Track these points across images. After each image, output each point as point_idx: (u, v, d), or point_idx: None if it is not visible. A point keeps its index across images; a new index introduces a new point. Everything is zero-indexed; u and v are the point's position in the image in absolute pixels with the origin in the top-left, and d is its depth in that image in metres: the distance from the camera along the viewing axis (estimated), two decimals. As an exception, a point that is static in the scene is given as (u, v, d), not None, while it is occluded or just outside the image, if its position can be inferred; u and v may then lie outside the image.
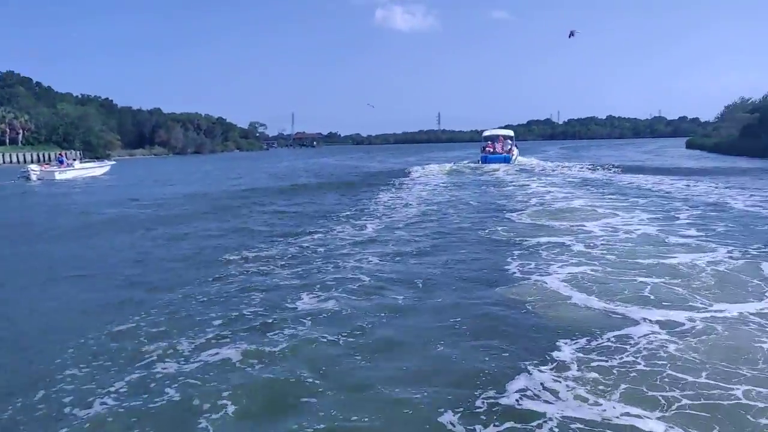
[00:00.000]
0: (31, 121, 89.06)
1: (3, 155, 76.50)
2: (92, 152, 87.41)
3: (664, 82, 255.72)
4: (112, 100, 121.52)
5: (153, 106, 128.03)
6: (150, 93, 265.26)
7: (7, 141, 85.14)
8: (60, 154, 50.96)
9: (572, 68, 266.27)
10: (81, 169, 44.52)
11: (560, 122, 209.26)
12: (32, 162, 60.92)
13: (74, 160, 51.80)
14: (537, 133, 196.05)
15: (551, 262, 9.42)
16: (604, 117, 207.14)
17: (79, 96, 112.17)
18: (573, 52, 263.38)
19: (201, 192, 26.34)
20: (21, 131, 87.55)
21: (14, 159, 76.35)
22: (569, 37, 43.22)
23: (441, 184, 27.56)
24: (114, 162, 53.23)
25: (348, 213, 16.58)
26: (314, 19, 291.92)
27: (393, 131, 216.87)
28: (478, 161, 42.49)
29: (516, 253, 10.27)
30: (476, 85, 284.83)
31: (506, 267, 9.27)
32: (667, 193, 20.38)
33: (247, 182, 32.79)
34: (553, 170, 35.97)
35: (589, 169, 35.30)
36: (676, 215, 14.38)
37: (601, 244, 10.80)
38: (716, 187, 21.51)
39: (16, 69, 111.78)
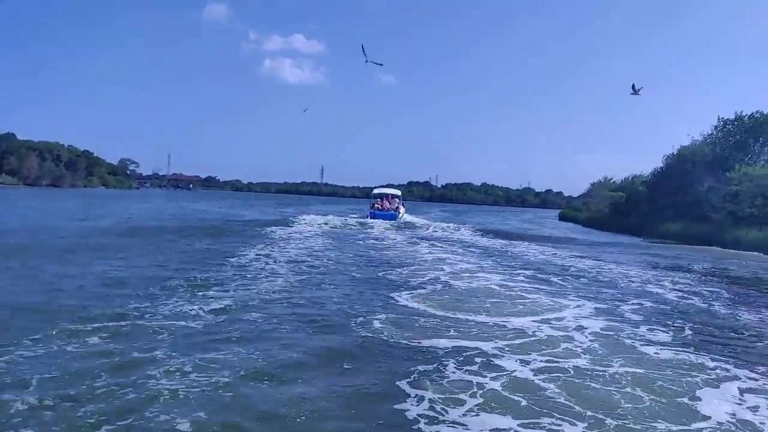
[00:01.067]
0: None
1: None
2: None
3: (531, 156, 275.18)
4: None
5: (6, 131, 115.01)
6: (4, 115, 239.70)
7: None
8: None
9: (449, 135, 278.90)
10: None
11: (438, 185, 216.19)
12: None
13: None
14: (416, 194, 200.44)
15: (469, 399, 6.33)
16: (479, 184, 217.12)
17: None
18: (450, 120, 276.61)
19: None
20: None
21: None
22: (635, 92, 37.08)
23: (323, 242, 24.33)
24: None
25: (193, 277, 12.72)
26: (200, 62, 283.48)
27: (275, 180, 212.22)
28: (366, 216, 43.38)
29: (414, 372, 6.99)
30: (360, 142, 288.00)
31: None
32: (581, 271, 18.54)
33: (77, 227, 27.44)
34: (444, 230, 36.39)
35: (481, 234, 34.61)
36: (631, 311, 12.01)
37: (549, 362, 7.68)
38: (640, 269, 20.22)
39: None
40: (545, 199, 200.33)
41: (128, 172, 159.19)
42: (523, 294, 13.01)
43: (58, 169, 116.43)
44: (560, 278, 16.28)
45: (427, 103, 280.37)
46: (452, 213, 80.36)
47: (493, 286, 13.96)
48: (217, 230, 26.93)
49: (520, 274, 16.69)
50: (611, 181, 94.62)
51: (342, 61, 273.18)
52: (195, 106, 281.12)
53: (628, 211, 47.79)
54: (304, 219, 39.17)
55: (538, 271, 17.75)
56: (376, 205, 45.36)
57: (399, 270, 16.30)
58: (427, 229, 38.16)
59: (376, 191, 50.59)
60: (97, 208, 45.01)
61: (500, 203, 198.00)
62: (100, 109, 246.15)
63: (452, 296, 12.33)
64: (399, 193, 52.45)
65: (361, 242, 25.69)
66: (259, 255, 17.86)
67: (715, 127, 44.87)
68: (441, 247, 24.84)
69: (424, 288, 13.37)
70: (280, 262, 16.59)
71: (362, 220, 42.05)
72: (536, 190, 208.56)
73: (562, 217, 75.73)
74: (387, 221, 40.54)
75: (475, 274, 15.95)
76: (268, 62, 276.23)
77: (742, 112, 43.38)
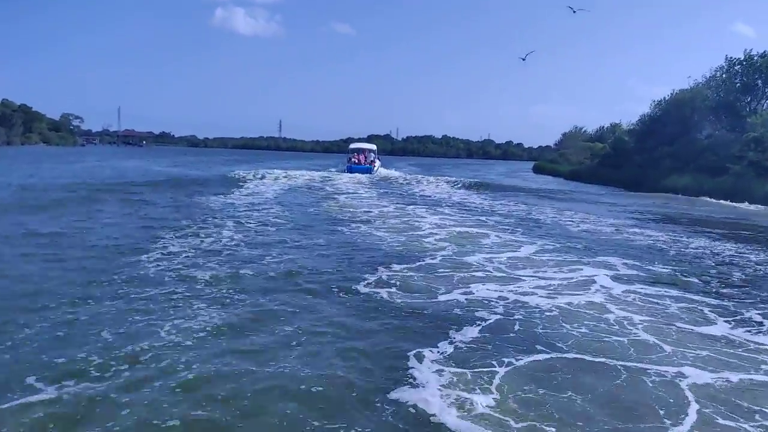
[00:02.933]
0: None
1: None
2: None
3: (490, 109, 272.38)
4: None
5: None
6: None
7: None
8: None
9: (408, 87, 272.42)
10: None
11: (399, 139, 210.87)
12: None
13: None
14: (378, 147, 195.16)
15: None
16: (440, 136, 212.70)
17: None
18: (408, 72, 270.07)
19: None
20: None
21: None
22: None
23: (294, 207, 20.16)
24: None
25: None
26: (147, 10, 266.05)
27: (232, 135, 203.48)
28: (344, 170, 45.39)
29: None
30: (318, 95, 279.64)
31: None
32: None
33: None
34: (425, 184, 36.94)
35: (465, 188, 31.57)
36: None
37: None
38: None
39: None
40: (506, 151, 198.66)
41: (71, 127, 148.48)
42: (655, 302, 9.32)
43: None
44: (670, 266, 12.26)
45: (385, 55, 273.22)
46: (421, 167, 76.38)
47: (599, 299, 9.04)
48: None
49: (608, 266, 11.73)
50: (583, 131, 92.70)
51: (297, 12, 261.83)
52: (144, 58, 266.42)
53: (617, 163, 44.80)
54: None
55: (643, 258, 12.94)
56: (353, 159, 47.55)
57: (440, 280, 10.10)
58: (410, 184, 35.56)
59: (352, 146, 53.43)
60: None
61: (462, 156, 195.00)
62: (41, 61, 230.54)
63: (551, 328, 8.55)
64: (374, 147, 54.80)
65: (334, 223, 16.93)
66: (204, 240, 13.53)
67: (720, 68, 41.54)
68: (448, 213, 20.66)
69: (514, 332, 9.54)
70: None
71: (338, 174, 43.29)
72: (497, 142, 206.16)
73: (538, 170, 72.58)
74: (363, 174, 42.85)
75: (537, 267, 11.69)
76: (219, 12, 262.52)
77: (751, 50, 40.18)
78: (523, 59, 51.12)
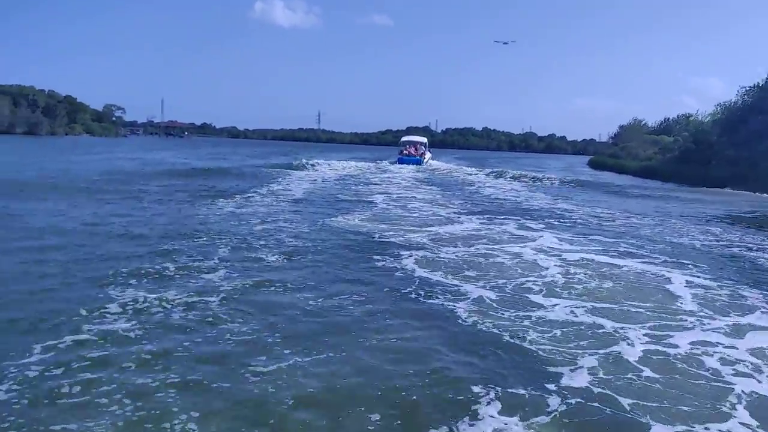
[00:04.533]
0: None
1: None
2: None
3: (531, 100, 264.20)
4: None
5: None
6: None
7: None
8: None
9: (447, 78, 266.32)
10: None
11: (438, 130, 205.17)
12: None
13: None
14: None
15: None
16: (480, 128, 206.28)
17: None
18: (447, 63, 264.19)
19: None
20: None
21: None
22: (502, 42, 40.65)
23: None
24: None
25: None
26: (190, 4, 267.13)
27: (271, 127, 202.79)
28: (395, 162, 46.69)
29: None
30: (357, 87, 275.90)
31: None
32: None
33: None
34: (486, 178, 35.51)
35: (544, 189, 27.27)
36: None
37: None
38: None
39: None
40: (550, 144, 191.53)
41: (114, 119, 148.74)
42: None
43: (35, 115, 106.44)
44: None
45: (424, 46, 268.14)
46: (468, 160, 72.14)
47: None
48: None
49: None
50: (643, 124, 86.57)
51: (335, 3, 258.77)
52: (187, 51, 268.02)
53: (704, 159, 39.90)
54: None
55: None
56: (404, 152, 48.85)
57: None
58: (471, 182, 32.30)
59: (404, 139, 55.32)
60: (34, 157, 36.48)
61: (504, 148, 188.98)
62: (87, 54, 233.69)
63: None
64: (425, 140, 55.44)
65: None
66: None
67: None
68: (564, 236, 13.65)
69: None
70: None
71: (391, 165, 44.36)
72: (539, 135, 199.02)
73: (596, 165, 67.22)
74: (413, 165, 44.10)
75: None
76: (259, 4, 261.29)
77: None
78: (505, 43, 53.09)
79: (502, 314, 7.44)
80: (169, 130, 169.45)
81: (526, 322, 7.14)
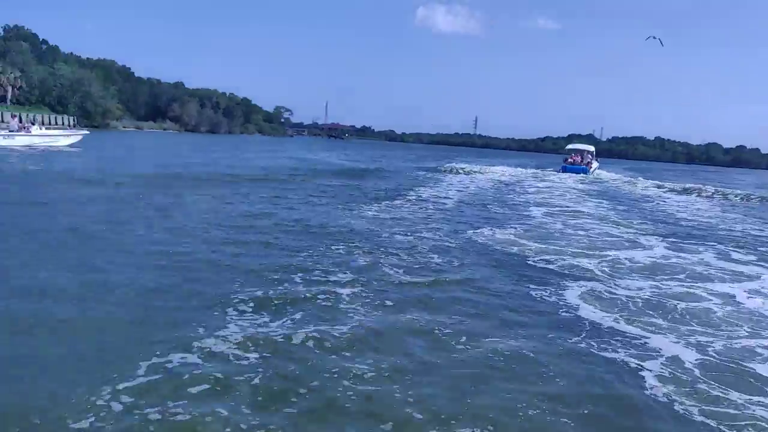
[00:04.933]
0: (22, 79, 77.99)
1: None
2: (88, 119, 78.53)
3: (713, 107, 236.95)
4: (129, 68, 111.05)
5: (177, 80, 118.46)
6: (177, 66, 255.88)
7: (-6, 98, 74.50)
8: (14, 116, 40.33)
9: (617, 84, 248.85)
10: (39, 137, 35.54)
11: (604, 139, 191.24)
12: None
13: (32, 124, 39.93)
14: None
15: None
16: (653, 138, 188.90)
17: (85, 59, 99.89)
18: (617, 67, 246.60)
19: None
20: (10, 88, 76.71)
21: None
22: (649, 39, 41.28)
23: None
24: (86, 132, 42.98)
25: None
26: (353, 12, 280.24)
27: (427, 131, 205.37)
28: (558, 170, 44.60)
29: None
30: (515, 92, 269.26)
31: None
32: None
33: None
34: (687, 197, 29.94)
35: None
36: None
37: None
38: None
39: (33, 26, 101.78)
40: (737, 157, 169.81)
41: (282, 120, 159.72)
42: None
43: (216, 116, 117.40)
44: None
45: (591, 50, 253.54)
46: (640, 171, 65.31)
47: None
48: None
49: None
50: None
51: (498, 8, 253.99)
52: (351, 56, 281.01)
53: None
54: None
55: None
56: (568, 160, 46.91)
57: None
58: (660, 200, 27.72)
59: (569, 147, 53.63)
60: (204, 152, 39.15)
61: (679, 161, 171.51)
62: (261, 61, 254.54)
63: None
64: (592, 149, 52.37)
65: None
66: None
67: None
68: None
69: None
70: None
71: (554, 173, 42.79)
72: (724, 147, 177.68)
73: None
74: (578, 174, 41.93)
75: None
76: (421, 11, 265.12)
77: None
78: (655, 38, 43.70)
79: (709, 390, 5.30)
80: (331, 132, 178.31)
81: (748, 411, 4.95)
